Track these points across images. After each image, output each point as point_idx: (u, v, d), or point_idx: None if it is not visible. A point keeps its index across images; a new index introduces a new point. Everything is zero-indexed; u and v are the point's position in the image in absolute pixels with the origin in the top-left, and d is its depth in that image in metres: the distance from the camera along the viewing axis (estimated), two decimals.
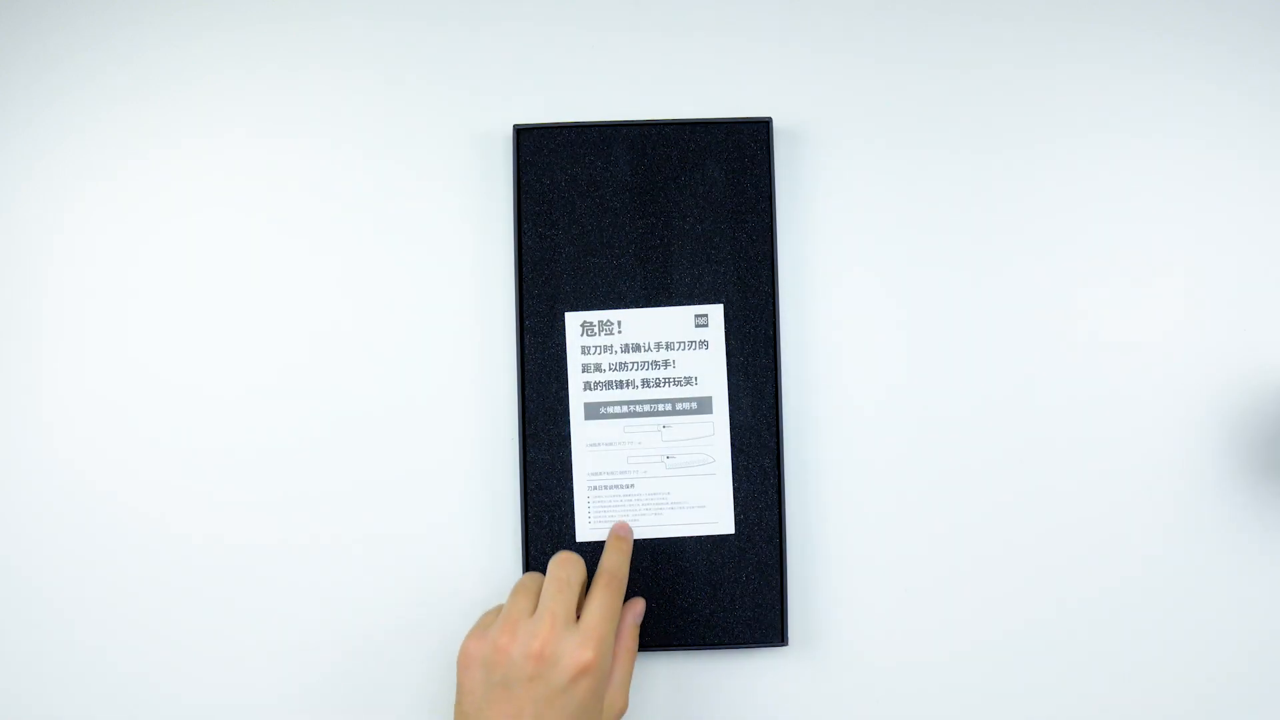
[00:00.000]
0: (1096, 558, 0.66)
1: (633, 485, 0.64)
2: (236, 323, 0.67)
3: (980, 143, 0.67)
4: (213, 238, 0.67)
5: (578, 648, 0.55)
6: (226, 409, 0.66)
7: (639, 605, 0.63)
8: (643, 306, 0.65)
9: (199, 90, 0.67)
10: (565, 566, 0.58)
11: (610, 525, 0.64)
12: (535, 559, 0.64)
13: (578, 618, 0.57)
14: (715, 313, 0.64)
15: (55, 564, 0.66)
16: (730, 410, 0.65)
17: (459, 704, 0.57)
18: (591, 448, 0.64)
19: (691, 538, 0.65)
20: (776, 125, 0.67)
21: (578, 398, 0.64)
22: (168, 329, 0.67)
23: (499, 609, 0.60)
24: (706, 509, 0.64)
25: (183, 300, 0.67)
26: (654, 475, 0.64)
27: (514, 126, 0.66)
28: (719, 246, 0.66)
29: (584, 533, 0.64)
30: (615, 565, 0.60)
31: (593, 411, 0.64)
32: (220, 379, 0.66)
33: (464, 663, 0.56)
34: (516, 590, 0.59)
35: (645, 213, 0.66)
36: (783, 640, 0.65)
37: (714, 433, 0.64)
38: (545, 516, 0.65)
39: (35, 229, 0.67)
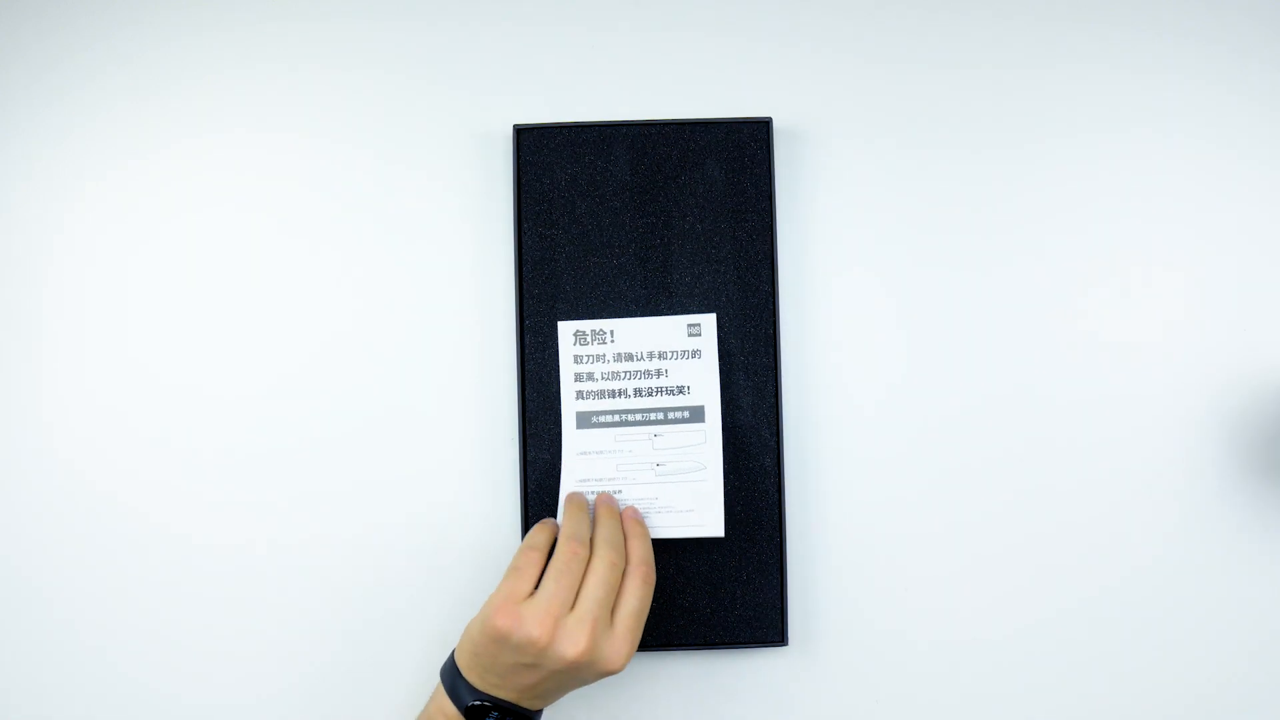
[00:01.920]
0: (1096, 557, 0.66)
1: (620, 491, 0.64)
2: (236, 323, 0.67)
3: (980, 142, 0.67)
4: (213, 237, 0.67)
5: (614, 654, 0.56)
6: (226, 409, 0.66)
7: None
8: (642, 307, 0.65)
9: (199, 90, 0.67)
10: (571, 566, 0.57)
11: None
12: None
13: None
14: (708, 322, 0.64)
15: (55, 564, 0.66)
16: (723, 417, 0.64)
17: (475, 659, 0.57)
18: (582, 455, 0.64)
19: (683, 540, 0.64)
20: (776, 125, 0.67)
21: (570, 407, 0.64)
22: (168, 329, 0.67)
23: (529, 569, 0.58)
24: (695, 512, 0.64)
25: (183, 300, 0.67)
26: (643, 481, 0.64)
27: (514, 126, 0.66)
28: (719, 246, 0.66)
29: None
30: (647, 554, 0.60)
31: (584, 421, 0.64)
32: (220, 379, 0.66)
33: (496, 636, 0.56)
34: (559, 572, 0.57)
35: (645, 213, 0.66)
36: (783, 640, 0.65)
37: (705, 440, 0.64)
38: (546, 516, 0.65)
39: (35, 229, 0.67)
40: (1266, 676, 0.66)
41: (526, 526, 0.65)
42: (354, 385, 0.66)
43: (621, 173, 0.66)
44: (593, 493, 0.64)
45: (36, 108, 0.67)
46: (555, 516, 0.64)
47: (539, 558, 0.59)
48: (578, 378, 0.64)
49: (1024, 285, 0.67)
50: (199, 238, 0.67)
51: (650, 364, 0.64)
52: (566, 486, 0.64)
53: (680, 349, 0.64)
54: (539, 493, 0.65)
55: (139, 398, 0.66)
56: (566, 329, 0.64)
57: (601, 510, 0.61)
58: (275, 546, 0.66)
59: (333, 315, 0.67)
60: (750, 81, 0.68)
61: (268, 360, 0.67)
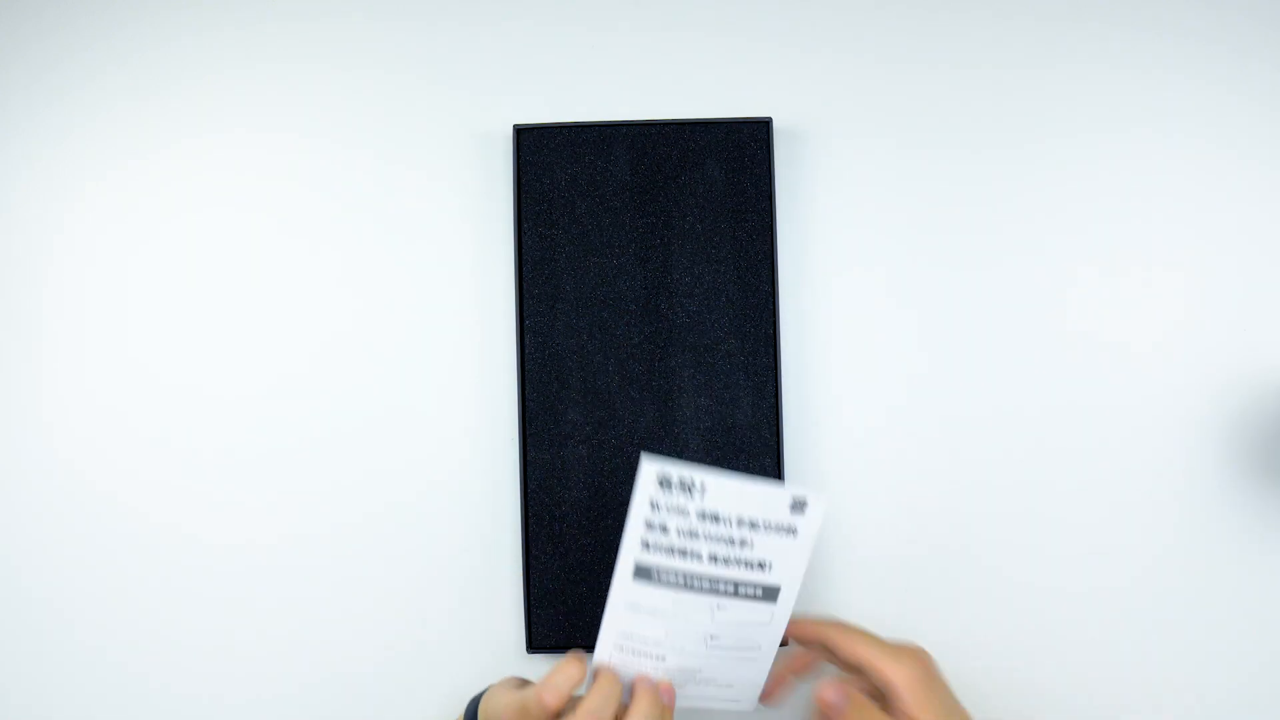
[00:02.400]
0: (1097, 557, 0.66)
1: (664, 658, 0.57)
2: (237, 322, 0.67)
3: (980, 142, 0.67)
4: (213, 237, 0.67)
5: None
6: (226, 409, 0.66)
7: None
8: (642, 307, 0.65)
9: (199, 90, 0.67)
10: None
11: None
12: (535, 559, 0.64)
13: None
14: (817, 503, 0.55)
15: (55, 564, 0.66)
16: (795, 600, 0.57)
17: None
18: (631, 609, 0.56)
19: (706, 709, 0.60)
20: (776, 125, 0.67)
21: (630, 553, 0.55)
22: (168, 329, 0.67)
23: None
24: (734, 688, 0.59)
25: (183, 300, 0.67)
26: (690, 653, 0.57)
27: (514, 126, 0.66)
28: (719, 246, 0.66)
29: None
30: None
31: (643, 573, 0.55)
32: (220, 379, 0.66)
33: None
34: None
35: (645, 212, 0.66)
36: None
37: (770, 622, 0.57)
38: (546, 516, 0.65)
39: (35, 229, 0.67)
40: (1268, 676, 0.66)
41: (526, 528, 0.64)
42: (354, 385, 0.66)
43: (621, 173, 0.66)
44: (631, 671, 0.57)
45: (36, 108, 0.67)
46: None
47: (555, 704, 0.54)
48: (649, 525, 0.54)
49: (1024, 285, 0.67)
50: (199, 238, 0.67)
51: (736, 531, 0.55)
52: (606, 640, 0.56)
53: (775, 522, 0.55)
54: (539, 493, 0.65)
55: (139, 398, 0.66)
56: (650, 470, 0.54)
57: (642, 696, 0.55)
58: (275, 546, 0.66)
59: (333, 315, 0.67)
60: (750, 81, 0.68)
61: (268, 360, 0.67)
